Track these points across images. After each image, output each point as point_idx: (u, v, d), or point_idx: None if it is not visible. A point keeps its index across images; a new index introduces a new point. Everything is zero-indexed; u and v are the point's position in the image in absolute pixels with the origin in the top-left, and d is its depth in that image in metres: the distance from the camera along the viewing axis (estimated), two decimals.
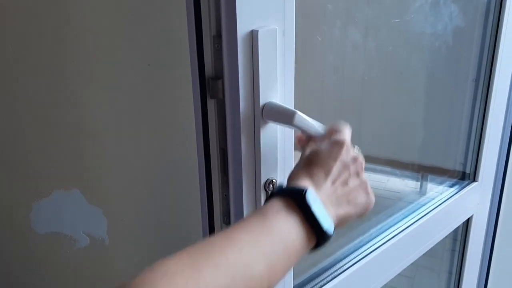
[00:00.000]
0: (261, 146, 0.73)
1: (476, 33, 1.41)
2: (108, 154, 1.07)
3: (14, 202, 1.06)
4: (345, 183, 0.65)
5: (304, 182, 0.62)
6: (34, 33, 0.97)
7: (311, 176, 0.64)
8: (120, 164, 1.08)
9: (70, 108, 1.03)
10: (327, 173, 0.64)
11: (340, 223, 0.64)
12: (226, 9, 0.66)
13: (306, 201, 0.57)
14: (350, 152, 0.67)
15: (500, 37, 1.36)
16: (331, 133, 0.70)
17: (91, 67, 1.01)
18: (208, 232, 0.79)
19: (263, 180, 0.75)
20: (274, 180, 0.76)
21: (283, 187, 0.62)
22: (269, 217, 0.55)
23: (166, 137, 1.06)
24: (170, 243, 1.16)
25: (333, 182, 0.64)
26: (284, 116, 0.70)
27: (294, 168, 0.68)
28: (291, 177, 0.65)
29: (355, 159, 0.67)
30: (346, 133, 0.69)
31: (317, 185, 0.63)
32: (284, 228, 0.55)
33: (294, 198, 0.57)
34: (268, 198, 0.60)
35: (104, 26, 0.98)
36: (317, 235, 0.57)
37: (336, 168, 0.65)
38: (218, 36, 0.68)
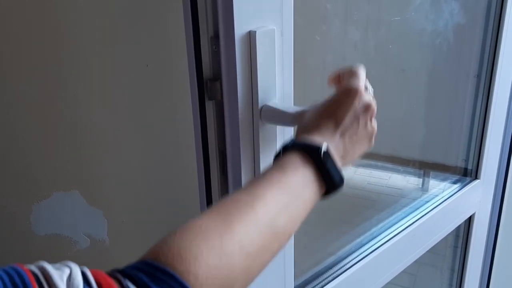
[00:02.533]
0: (260, 147, 0.72)
1: (478, 29, 1.40)
2: (107, 156, 1.06)
3: (14, 204, 1.06)
4: (354, 134, 0.66)
5: (315, 136, 0.63)
6: (32, 35, 0.97)
7: (320, 129, 0.64)
8: (119, 166, 1.08)
9: (69, 110, 1.02)
10: (337, 126, 0.64)
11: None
12: (223, 10, 0.65)
13: (321, 157, 0.59)
14: (363, 99, 0.66)
15: (501, 33, 1.36)
16: (345, 77, 0.68)
17: (89, 68, 1.00)
18: None
19: None
20: None
21: (297, 140, 0.62)
22: (288, 173, 0.58)
23: (165, 138, 1.06)
24: None
25: (342, 135, 0.64)
26: (282, 117, 0.70)
27: (306, 115, 0.67)
28: (304, 128, 0.65)
29: (367, 108, 0.66)
30: (360, 78, 0.67)
31: (327, 138, 0.63)
32: (302, 183, 0.58)
33: (311, 155, 0.59)
34: (284, 150, 0.61)
35: (102, 27, 0.98)
36: (328, 186, 0.61)
37: (346, 120, 0.64)
38: (215, 37, 0.68)
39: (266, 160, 0.74)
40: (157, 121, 1.04)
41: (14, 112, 1.02)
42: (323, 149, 0.60)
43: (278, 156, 0.62)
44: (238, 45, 0.65)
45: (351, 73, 0.68)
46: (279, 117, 0.70)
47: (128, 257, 1.19)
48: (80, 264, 1.19)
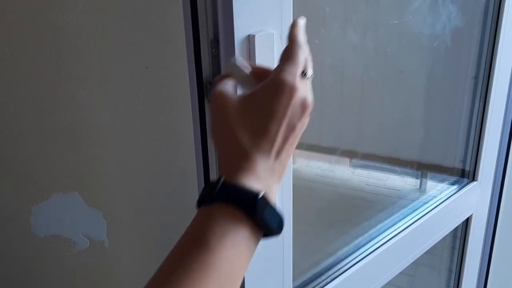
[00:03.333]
0: None
1: (476, 31, 1.41)
2: (106, 157, 1.07)
3: (14, 205, 1.06)
4: (292, 142, 0.52)
5: (249, 170, 0.49)
6: (31, 35, 0.97)
7: (252, 155, 0.49)
8: (119, 167, 1.08)
9: (69, 110, 1.03)
10: (272, 145, 0.50)
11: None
12: (223, 14, 0.65)
13: (258, 210, 0.46)
14: (299, 97, 0.51)
15: (499, 34, 1.36)
16: (282, 56, 0.54)
17: (89, 69, 1.01)
18: None
19: None
20: None
21: (225, 185, 0.48)
22: (212, 248, 0.44)
23: (165, 139, 1.06)
24: (170, 246, 1.16)
25: (278, 152, 0.51)
26: None
27: (227, 125, 0.51)
28: (230, 154, 0.51)
29: (303, 106, 0.52)
30: (297, 60, 0.53)
31: (263, 167, 0.50)
32: (233, 253, 0.45)
33: (245, 209, 0.46)
34: (209, 199, 0.48)
35: (102, 29, 0.98)
36: (265, 234, 0.49)
37: (282, 132, 0.51)
38: (215, 41, 0.68)
39: None
40: (158, 122, 1.05)
41: (13, 113, 1.02)
42: (260, 198, 0.47)
43: (202, 203, 0.49)
44: (238, 49, 0.66)
45: (291, 49, 0.53)
46: None
47: (127, 259, 1.20)
48: (79, 265, 1.19)
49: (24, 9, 0.95)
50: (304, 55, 0.54)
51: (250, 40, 0.66)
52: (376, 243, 1.19)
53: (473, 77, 1.45)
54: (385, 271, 1.22)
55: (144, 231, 1.14)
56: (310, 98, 0.53)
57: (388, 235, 1.22)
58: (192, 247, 0.45)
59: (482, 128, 1.46)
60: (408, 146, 1.44)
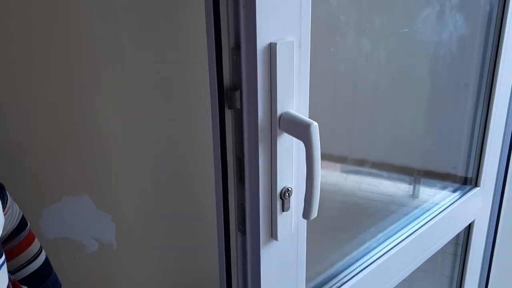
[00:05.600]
0: (278, 154, 0.74)
1: (478, 40, 1.42)
2: (117, 161, 1.07)
3: (24, 208, 1.07)
4: None
5: None
6: (43, 39, 0.98)
7: None
8: (129, 171, 1.09)
9: (80, 114, 1.03)
10: None
11: None
12: (245, 22, 0.67)
13: None
14: None
15: (502, 43, 1.38)
16: None
17: (101, 73, 1.01)
18: (223, 240, 0.80)
19: (279, 189, 0.76)
20: (289, 189, 0.77)
21: None
22: None
23: (175, 144, 1.07)
24: (180, 249, 1.17)
25: None
26: (300, 126, 0.71)
27: None
28: None
29: None
30: None
31: None
32: None
33: None
34: None
35: (114, 32, 0.99)
36: None
37: None
38: (236, 49, 0.69)
39: (283, 167, 0.75)
40: (168, 127, 1.05)
41: (25, 117, 1.03)
42: None
43: None
44: (260, 56, 0.67)
45: None
46: (296, 126, 0.72)
47: (135, 262, 1.20)
48: (88, 267, 1.18)
49: (35, 12, 0.96)
50: None
51: (271, 48, 0.68)
52: (380, 251, 1.19)
53: (476, 85, 1.47)
54: (388, 279, 1.22)
55: (153, 235, 1.15)
56: None
57: (391, 242, 1.23)
58: None
59: (485, 134, 1.47)
60: (412, 153, 1.45)
